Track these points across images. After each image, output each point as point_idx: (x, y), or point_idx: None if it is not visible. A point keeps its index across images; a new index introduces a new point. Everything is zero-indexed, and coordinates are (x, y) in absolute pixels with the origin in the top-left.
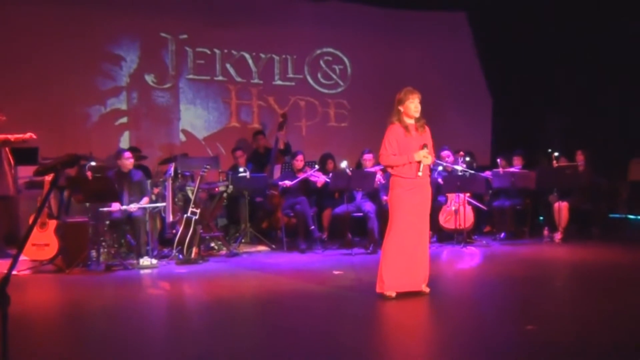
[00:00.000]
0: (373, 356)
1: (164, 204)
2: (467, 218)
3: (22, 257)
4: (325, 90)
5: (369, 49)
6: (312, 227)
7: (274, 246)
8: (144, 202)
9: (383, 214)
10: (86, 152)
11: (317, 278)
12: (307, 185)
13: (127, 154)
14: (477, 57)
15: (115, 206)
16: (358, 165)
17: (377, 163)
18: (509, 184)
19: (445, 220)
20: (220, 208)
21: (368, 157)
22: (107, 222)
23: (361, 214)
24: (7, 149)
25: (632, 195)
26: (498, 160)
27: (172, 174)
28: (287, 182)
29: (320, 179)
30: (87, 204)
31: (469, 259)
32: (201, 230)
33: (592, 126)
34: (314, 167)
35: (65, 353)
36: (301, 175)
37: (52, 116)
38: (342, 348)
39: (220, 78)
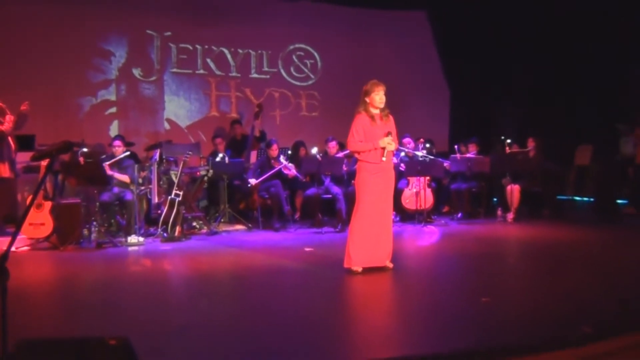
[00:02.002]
0: (340, 326)
1: (150, 186)
2: (427, 199)
3: (20, 235)
4: (298, 83)
5: (338, 44)
6: (286, 208)
7: (250, 225)
8: (122, 177)
9: (350, 196)
10: (79, 139)
11: (290, 254)
12: (280, 174)
13: (116, 142)
14: (436, 52)
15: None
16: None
17: (341, 149)
18: (465, 168)
19: (407, 201)
20: (201, 190)
21: (332, 145)
22: (98, 204)
23: (330, 195)
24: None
25: (578, 179)
26: (456, 146)
27: (158, 159)
28: (253, 181)
29: (291, 172)
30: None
31: (428, 237)
32: (184, 211)
33: (541, 116)
34: (287, 158)
35: (60, 323)
36: (277, 166)
37: (47, 107)
38: (313, 318)
39: (201, 72)
